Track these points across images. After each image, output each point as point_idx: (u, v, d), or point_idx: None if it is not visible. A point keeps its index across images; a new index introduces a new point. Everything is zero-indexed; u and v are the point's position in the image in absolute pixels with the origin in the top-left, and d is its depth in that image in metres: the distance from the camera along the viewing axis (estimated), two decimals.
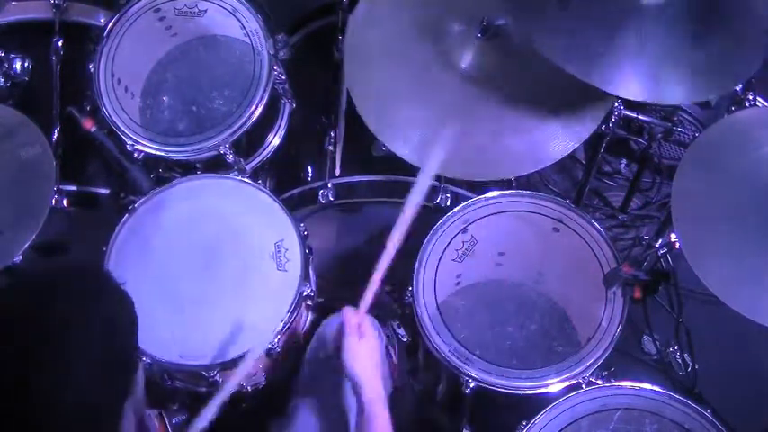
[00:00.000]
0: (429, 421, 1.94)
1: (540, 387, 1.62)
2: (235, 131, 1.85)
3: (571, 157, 2.46)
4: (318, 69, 2.06)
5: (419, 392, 1.90)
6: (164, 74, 2.05)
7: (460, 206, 1.78)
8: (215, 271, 1.71)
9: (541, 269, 1.95)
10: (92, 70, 1.87)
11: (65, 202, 1.87)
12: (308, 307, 1.78)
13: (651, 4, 1.51)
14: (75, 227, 1.97)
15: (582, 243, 1.77)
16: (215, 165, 1.89)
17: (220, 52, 2.06)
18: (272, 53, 1.91)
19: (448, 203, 1.87)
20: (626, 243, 2.32)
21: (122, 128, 1.85)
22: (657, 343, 2.19)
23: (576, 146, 1.70)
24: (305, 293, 1.71)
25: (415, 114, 1.71)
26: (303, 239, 1.74)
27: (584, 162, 2.45)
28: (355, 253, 2.13)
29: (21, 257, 1.69)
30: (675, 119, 2.07)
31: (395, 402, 1.71)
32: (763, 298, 1.45)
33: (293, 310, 1.67)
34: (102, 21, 2.00)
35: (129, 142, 1.84)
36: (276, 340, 1.66)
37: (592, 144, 1.96)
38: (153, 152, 1.85)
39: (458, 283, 1.97)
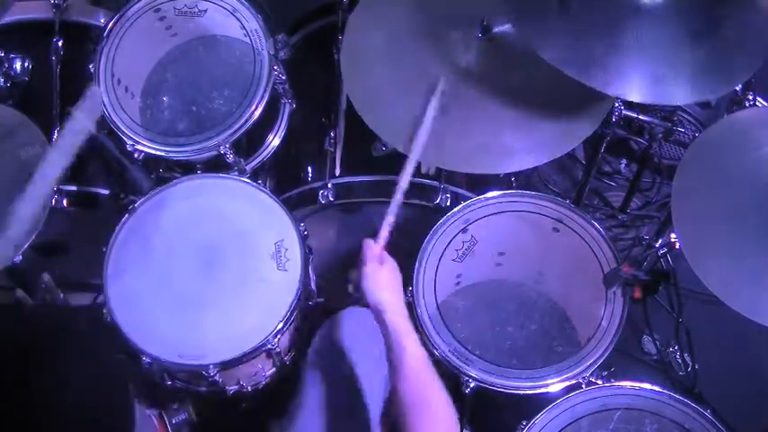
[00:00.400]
0: None
1: (540, 387, 1.62)
2: (235, 131, 1.85)
3: (571, 157, 2.46)
4: (318, 69, 2.06)
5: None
6: (164, 74, 2.05)
7: (460, 206, 1.79)
8: (215, 271, 1.71)
9: (541, 269, 1.95)
10: (92, 70, 1.87)
11: (65, 202, 1.87)
12: (308, 307, 1.78)
13: (651, 5, 1.51)
14: (76, 227, 1.97)
15: (582, 243, 1.77)
16: (215, 165, 1.89)
17: (220, 52, 2.06)
18: (272, 53, 1.91)
19: (448, 203, 1.87)
20: (626, 243, 2.32)
21: (122, 128, 1.85)
22: (657, 343, 2.19)
23: (576, 145, 1.70)
24: (305, 293, 1.71)
25: (415, 113, 1.71)
26: (303, 239, 1.74)
27: (584, 162, 2.45)
28: (355, 253, 2.13)
29: (21, 257, 1.69)
30: (675, 119, 2.07)
31: None
32: (763, 298, 1.45)
33: (293, 310, 1.67)
34: (102, 21, 2.00)
35: (129, 142, 1.84)
36: (276, 340, 1.66)
37: (592, 144, 1.96)
38: (153, 152, 1.85)
39: (458, 283, 1.97)
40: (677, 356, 2.17)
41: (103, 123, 1.83)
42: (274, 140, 2.02)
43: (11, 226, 1.35)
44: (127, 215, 1.77)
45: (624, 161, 2.53)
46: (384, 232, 1.52)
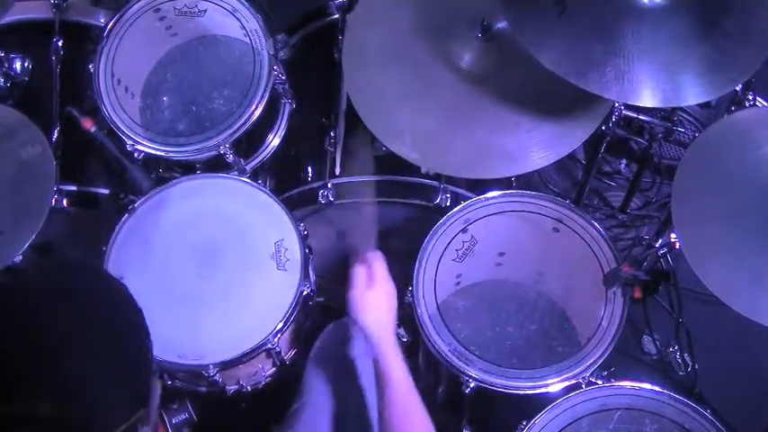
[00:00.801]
0: None
1: (540, 387, 1.62)
2: (235, 131, 1.85)
3: (571, 157, 2.46)
4: (318, 69, 2.06)
5: (419, 392, 1.89)
6: (164, 74, 2.05)
7: (460, 206, 1.78)
8: (215, 270, 1.71)
9: (541, 269, 1.95)
10: (92, 70, 1.87)
11: (65, 202, 1.87)
12: (308, 307, 1.78)
13: (649, 6, 1.51)
14: (76, 227, 1.97)
15: (582, 243, 1.77)
16: (215, 165, 1.89)
17: (220, 52, 2.05)
18: (272, 53, 1.91)
19: (448, 203, 1.87)
20: (626, 243, 2.32)
21: (122, 128, 1.85)
22: (657, 343, 2.19)
23: (576, 146, 1.70)
24: (305, 293, 1.71)
25: (415, 114, 1.71)
26: (303, 239, 1.74)
27: (584, 162, 2.45)
28: (355, 253, 2.13)
29: (21, 257, 1.69)
30: (675, 119, 2.07)
31: None
32: (763, 298, 1.45)
33: (293, 310, 1.67)
34: (102, 21, 2.00)
35: (129, 142, 1.84)
36: (276, 340, 1.66)
37: (592, 144, 1.96)
38: (153, 152, 1.85)
39: (458, 283, 1.97)
40: (677, 356, 2.17)
41: (103, 123, 1.83)
42: (274, 140, 2.02)
43: None
44: (127, 215, 1.77)
45: (624, 161, 2.53)
46: (369, 254, 1.48)
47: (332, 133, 1.96)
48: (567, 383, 1.61)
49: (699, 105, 2.26)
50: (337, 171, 1.94)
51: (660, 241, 1.73)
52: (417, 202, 1.89)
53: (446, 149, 1.68)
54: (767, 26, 1.52)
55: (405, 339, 1.85)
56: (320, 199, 1.89)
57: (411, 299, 1.70)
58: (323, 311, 1.86)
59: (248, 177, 1.86)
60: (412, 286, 1.71)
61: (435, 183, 1.88)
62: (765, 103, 1.96)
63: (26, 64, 1.97)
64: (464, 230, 1.82)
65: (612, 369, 1.66)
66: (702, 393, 2.06)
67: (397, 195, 1.91)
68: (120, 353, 0.94)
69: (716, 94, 1.55)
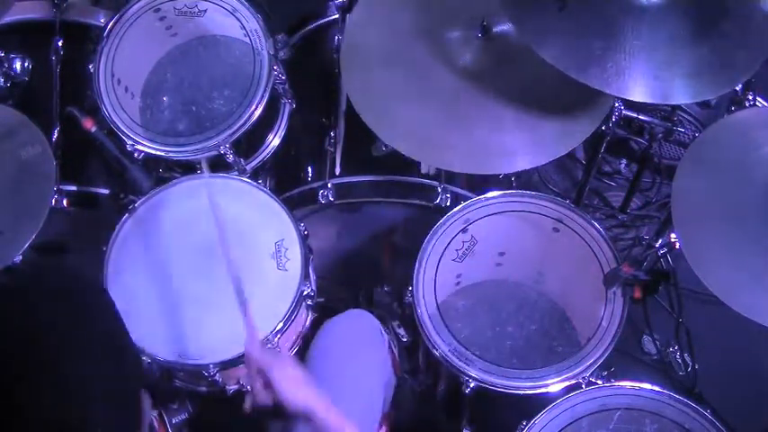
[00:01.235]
0: (429, 421, 1.94)
1: (540, 387, 1.62)
2: (235, 131, 1.85)
3: (571, 157, 2.46)
4: (318, 69, 2.06)
5: (419, 392, 1.90)
6: (164, 74, 2.05)
7: (460, 206, 1.78)
8: (215, 270, 1.71)
9: (541, 269, 1.95)
10: (92, 70, 1.87)
11: (65, 202, 1.87)
12: (308, 307, 1.78)
13: (650, 3, 1.51)
14: (76, 227, 1.97)
15: (582, 243, 1.77)
16: (215, 165, 1.89)
17: (220, 52, 2.06)
18: (272, 53, 1.91)
19: (448, 203, 1.87)
20: (626, 243, 2.32)
21: (122, 128, 1.85)
22: (657, 343, 2.19)
23: (576, 145, 1.70)
24: (305, 293, 1.71)
25: (415, 113, 1.71)
26: (303, 239, 1.74)
27: (584, 162, 2.45)
28: (355, 253, 2.13)
29: (21, 257, 1.69)
30: (675, 119, 2.07)
31: (395, 401, 1.72)
32: (763, 298, 1.45)
33: (293, 310, 1.67)
34: (102, 21, 2.00)
35: (129, 142, 1.84)
36: (276, 340, 1.66)
37: (592, 144, 1.96)
38: (153, 152, 1.85)
39: (458, 283, 1.97)
40: (677, 356, 2.17)
41: (103, 123, 1.83)
42: (274, 140, 2.02)
43: None
44: (127, 215, 1.77)
45: (624, 161, 2.53)
46: (257, 332, 1.39)
47: (332, 133, 1.96)
48: (567, 383, 1.61)
49: (699, 105, 2.26)
50: (337, 171, 1.95)
51: (660, 241, 1.73)
52: (417, 202, 1.89)
53: (446, 148, 1.68)
54: (765, 29, 1.53)
55: (405, 339, 1.85)
56: (320, 199, 1.89)
57: (411, 299, 1.70)
58: (323, 311, 1.86)
59: (248, 177, 1.86)
60: (412, 286, 1.71)
61: (435, 183, 1.88)
62: (765, 103, 1.96)
63: (26, 64, 1.97)
64: (464, 230, 1.82)
65: (612, 369, 1.66)
66: (702, 393, 2.06)
67: (397, 195, 1.91)
68: (120, 353, 0.95)
69: (715, 94, 1.55)
